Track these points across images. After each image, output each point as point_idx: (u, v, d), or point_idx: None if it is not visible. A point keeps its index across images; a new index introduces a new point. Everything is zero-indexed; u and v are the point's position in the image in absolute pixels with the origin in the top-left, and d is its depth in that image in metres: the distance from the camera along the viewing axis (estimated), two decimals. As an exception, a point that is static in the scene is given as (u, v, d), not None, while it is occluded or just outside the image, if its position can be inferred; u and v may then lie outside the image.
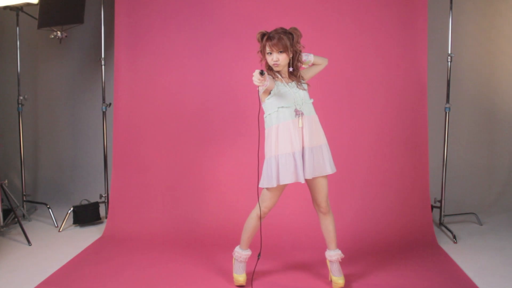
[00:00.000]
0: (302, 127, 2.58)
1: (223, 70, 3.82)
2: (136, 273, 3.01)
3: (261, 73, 2.36)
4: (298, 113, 2.58)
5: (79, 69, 4.85)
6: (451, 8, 3.79)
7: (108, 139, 4.18)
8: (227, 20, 3.82)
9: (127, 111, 3.94)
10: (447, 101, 3.80)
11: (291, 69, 2.64)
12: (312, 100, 2.69)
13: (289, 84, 2.64)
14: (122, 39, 3.93)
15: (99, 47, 4.15)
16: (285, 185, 2.63)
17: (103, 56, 4.09)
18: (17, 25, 4.18)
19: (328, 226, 2.76)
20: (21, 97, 4.19)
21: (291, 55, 2.60)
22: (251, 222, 2.74)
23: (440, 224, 3.89)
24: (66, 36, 4.01)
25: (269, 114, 2.62)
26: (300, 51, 2.64)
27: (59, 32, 3.96)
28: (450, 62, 3.79)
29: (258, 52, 2.64)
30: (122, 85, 3.94)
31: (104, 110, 4.10)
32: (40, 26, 3.95)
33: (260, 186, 2.67)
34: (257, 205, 2.69)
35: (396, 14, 3.75)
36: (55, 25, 3.96)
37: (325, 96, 3.75)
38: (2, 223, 3.77)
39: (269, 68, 2.65)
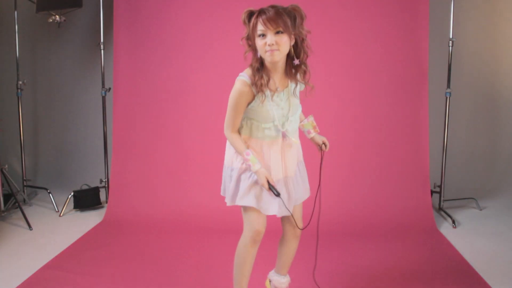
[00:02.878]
0: (283, 154, 2.06)
1: (225, 53, 3.79)
2: (137, 257, 3.03)
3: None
4: (284, 136, 2.04)
5: (78, 54, 4.82)
6: (452, -8, 3.76)
7: (108, 123, 4.17)
8: (228, 3, 3.78)
9: (127, 96, 3.93)
10: (448, 86, 3.78)
11: (296, 61, 1.94)
12: (300, 108, 2.11)
13: (277, 95, 1.97)
14: (121, 23, 3.90)
15: (98, 31, 4.12)
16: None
17: (102, 40, 4.06)
18: (15, 9, 4.14)
19: (292, 250, 2.26)
20: (20, 82, 4.17)
21: (293, 42, 1.91)
22: (245, 253, 2.06)
23: (440, 209, 3.89)
24: (64, 20, 3.98)
25: (245, 119, 2.03)
26: (305, 37, 1.95)
27: (57, 16, 3.92)
28: (452, 46, 3.77)
29: (242, 39, 1.95)
30: (121, 69, 3.92)
31: (103, 94, 4.08)
32: (38, 10, 3.91)
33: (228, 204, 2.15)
34: (244, 230, 2.07)
35: (398, -1, 3.72)
36: (54, 9, 3.92)
37: (325, 82, 3.74)
38: (3, 208, 3.78)
39: (258, 65, 1.93)
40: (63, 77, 4.90)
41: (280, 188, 2.03)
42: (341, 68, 3.75)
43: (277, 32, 1.84)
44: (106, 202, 4.04)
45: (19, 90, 4.18)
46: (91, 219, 3.81)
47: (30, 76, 4.75)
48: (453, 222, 3.59)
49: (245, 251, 2.05)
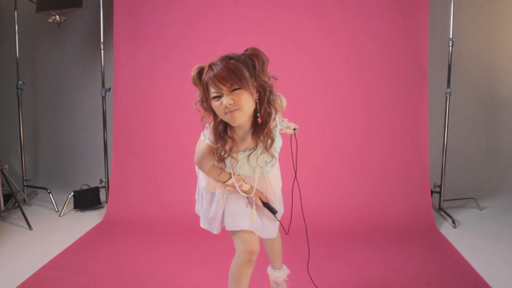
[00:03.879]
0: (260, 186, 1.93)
1: (224, 52, 3.78)
2: (136, 257, 3.02)
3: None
4: (250, 202, 1.90)
5: (78, 54, 4.82)
6: (453, -8, 3.76)
7: (108, 123, 4.17)
8: (229, 3, 3.78)
9: (127, 96, 3.93)
10: (448, 86, 3.78)
11: (259, 120, 1.65)
12: (275, 161, 1.89)
13: (241, 154, 1.78)
14: (121, 23, 3.90)
15: (98, 31, 4.12)
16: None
17: (102, 40, 4.07)
18: (15, 9, 4.15)
19: (275, 244, 2.19)
20: (20, 82, 4.17)
21: (256, 95, 1.63)
22: (240, 273, 1.86)
23: (440, 209, 3.89)
24: (64, 20, 3.98)
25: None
26: (271, 87, 1.65)
27: (57, 16, 3.92)
28: (452, 46, 3.77)
29: (195, 103, 1.74)
30: (121, 69, 3.92)
31: (103, 94, 4.08)
32: (38, 10, 3.91)
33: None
34: (237, 251, 1.90)
35: (398, -2, 3.72)
36: (54, 9, 3.92)
37: (325, 82, 3.74)
38: (3, 208, 3.78)
39: (222, 129, 1.69)
40: (63, 77, 4.90)
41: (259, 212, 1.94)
42: (341, 68, 3.75)
43: (234, 89, 1.57)
44: (106, 202, 4.04)
45: (19, 90, 4.18)
46: (91, 219, 3.81)
47: (30, 76, 4.76)
48: (453, 222, 3.59)
49: (240, 273, 1.86)
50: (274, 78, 1.64)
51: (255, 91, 1.62)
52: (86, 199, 4.07)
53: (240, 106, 1.57)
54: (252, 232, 1.86)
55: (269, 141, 1.70)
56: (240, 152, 1.76)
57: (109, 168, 4.15)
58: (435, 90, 4.07)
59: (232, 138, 1.70)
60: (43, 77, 4.90)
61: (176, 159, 3.85)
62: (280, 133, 1.91)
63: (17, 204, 3.80)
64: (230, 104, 1.56)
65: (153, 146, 3.89)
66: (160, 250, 3.13)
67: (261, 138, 1.69)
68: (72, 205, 4.03)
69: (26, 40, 4.66)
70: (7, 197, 3.92)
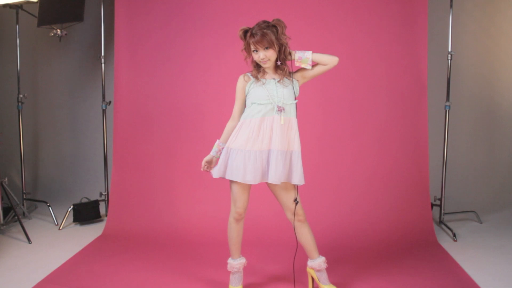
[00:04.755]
0: (271, 129, 2.43)
1: (224, 68, 3.81)
2: (136, 271, 3.01)
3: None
4: (280, 109, 2.43)
5: (79, 67, 4.85)
6: (451, 6, 3.79)
7: (108, 137, 4.18)
8: (227, 18, 3.81)
9: (127, 109, 3.94)
10: (447, 99, 3.80)
11: (278, 62, 2.44)
12: (295, 101, 2.50)
13: (268, 80, 2.48)
14: (122, 37, 3.93)
15: (99, 45, 4.15)
16: (249, 185, 2.49)
17: (103, 54, 4.09)
18: (17, 23, 4.18)
19: (307, 235, 2.57)
20: (21, 95, 4.19)
21: (277, 49, 2.42)
22: (230, 227, 2.58)
23: (440, 222, 3.89)
24: (66, 34, 4.00)
25: (246, 108, 2.51)
26: (287, 44, 2.44)
27: (58, 30, 3.95)
28: (450, 60, 3.79)
29: (241, 50, 2.48)
30: (122, 83, 3.94)
31: (104, 108, 4.10)
32: (40, 24, 3.94)
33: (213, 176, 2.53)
34: (231, 208, 2.55)
35: (397, 12, 3.75)
36: (55, 23, 3.95)
37: (324, 94, 3.75)
38: (2, 221, 3.77)
39: (257, 65, 2.50)
40: (64, 91, 4.92)
41: (260, 158, 2.41)
42: (340, 81, 3.76)
43: (266, 48, 2.39)
44: (106, 215, 4.03)
45: (19, 104, 4.19)
46: (91, 232, 3.80)
47: (31, 89, 4.78)
48: (454, 235, 3.58)
49: (230, 228, 2.59)
50: (289, 38, 2.44)
51: (277, 46, 2.41)
52: (86, 213, 4.06)
53: (269, 57, 2.41)
54: (242, 196, 2.50)
55: (286, 70, 2.49)
56: (269, 80, 2.48)
57: (109, 181, 4.14)
58: (434, 104, 4.09)
59: (262, 70, 2.51)
60: (44, 91, 4.92)
61: (176, 172, 3.86)
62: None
63: (16, 217, 3.80)
64: (263, 58, 2.40)
65: (153, 160, 3.89)
66: (160, 264, 3.11)
67: (280, 71, 2.49)
68: (71, 219, 4.02)
69: (28, 53, 4.69)
70: (6, 210, 3.91)
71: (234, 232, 2.59)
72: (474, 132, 4.61)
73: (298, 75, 2.53)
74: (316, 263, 2.59)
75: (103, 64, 4.10)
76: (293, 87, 2.49)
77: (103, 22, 4.09)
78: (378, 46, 3.75)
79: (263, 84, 2.47)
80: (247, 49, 2.45)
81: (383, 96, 3.77)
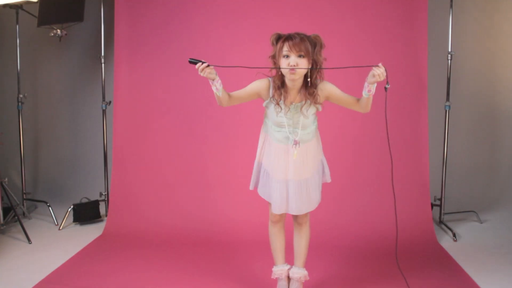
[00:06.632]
0: (287, 160, 2.35)
1: (224, 68, 3.80)
2: (136, 271, 3.01)
3: (192, 62, 2.19)
4: (295, 143, 2.33)
5: (79, 67, 4.84)
6: (451, 6, 3.79)
7: (108, 137, 4.17)
8: (228, 18, 3.81)
9: (127, 109, 3.94)
10: (447, 99, 3.80)
11: (308, 79, 2.24)
12: (314, 126, 2.42)
13: (290, 106, 2.29)
14: (122, 37, 3.93)
15: (99, 45, 4.15)
16: None
17: (103, 54, 4.09)
18: (17, 23, 4.17)
19: (300, 239, 2.54)
20: (21, 95, 4.18)
21: (310, 65, 2.23)
22: (269, 231, 2.55)
23: (440, 222, 3.89)
24: (66, 34, 4.00)
25: (265, 117, 2.42)
26: (321, 63, 2.26)
27: (59, 30, 3.95)
28: (450, 60, 3.79)
29: (269, 57, 2.27)
30: (122, 83, 3.94)
31: (104, 108, 4.10)
32: (40, 24, 3.94)
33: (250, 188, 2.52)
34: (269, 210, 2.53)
35: (396, 12, 3.74)
36: (55, 23, 3.95)
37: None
38: (2, 221, 3.77)
39: (279, 84, 2.28)
40: (64, 91, 4.91)
41: (280, 189, 2.36)
42: (339, 81, 3.74)
43: (299, 56, 2.17)
44: (106, 215, 4.03)
45: (19, 104, 4.19)
46: (91, 232, 3.80)
47: (31, 90, 4.77)
48: (454, 235, 3.58)
49: (269, 230, 2.55)
50: (325, 58, 2.26)
51: (311, 62, 2.21)
52: (86, 213, 4.06)
53: (300, 66, 2.17)
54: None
55: (316, 97, 2.29)
56: (293, 104, 2.29)
57: (109, 181, 4.14)
58: (434, 103, 4.08)
59: (284, 91, 2.28)
60: (44, 91, 4.92)
61: (176, 172, 3.86)
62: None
63: (16, 217, 3.80)
64: (294, 65, 2.15)
65: (153, 160, 3.90)
66: (160, 264, 3.11)
67: (309, 95, 2.28)
68: (71, 219, 4.02)
69: (27, 53, 4.69)
70: (6, 210, 3.91)
71: (272, 235, 2.55)
72: (474, 132, 4.60)
73: (322, 98, 2.37)
74: (293, 271, 2.55)
75: (103, 64, 4.09)
76: (315, 115, 2.40)
77: (103, 22, 4.09)
78: (378, 46, 3.74)
79: (281, 111, 2.29)
80: (278, 53, 2.22)
81: (383, 96, 3.76)
